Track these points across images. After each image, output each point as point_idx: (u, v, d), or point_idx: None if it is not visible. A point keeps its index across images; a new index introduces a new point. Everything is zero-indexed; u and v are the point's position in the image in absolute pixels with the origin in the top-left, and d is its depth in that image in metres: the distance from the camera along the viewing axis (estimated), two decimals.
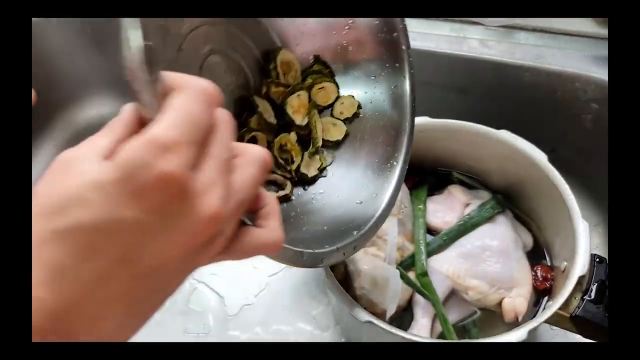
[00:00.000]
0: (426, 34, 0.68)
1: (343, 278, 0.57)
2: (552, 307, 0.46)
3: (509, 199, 0.61)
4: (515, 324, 0.53)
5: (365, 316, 0.46)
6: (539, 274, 0.55)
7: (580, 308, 0.46)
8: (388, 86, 0.48)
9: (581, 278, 0.47)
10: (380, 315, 0.53)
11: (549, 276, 0.55)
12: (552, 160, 0.55)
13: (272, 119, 0.44)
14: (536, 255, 0.58)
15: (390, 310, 0.53)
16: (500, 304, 0.54)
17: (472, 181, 0.63)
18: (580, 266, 0.48)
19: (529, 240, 0.59)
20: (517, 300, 0.53)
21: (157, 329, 0.66)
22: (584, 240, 0.49)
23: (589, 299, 0.47)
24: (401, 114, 0.48)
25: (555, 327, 0.51)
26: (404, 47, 0.47)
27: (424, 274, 0.53)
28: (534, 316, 0.53)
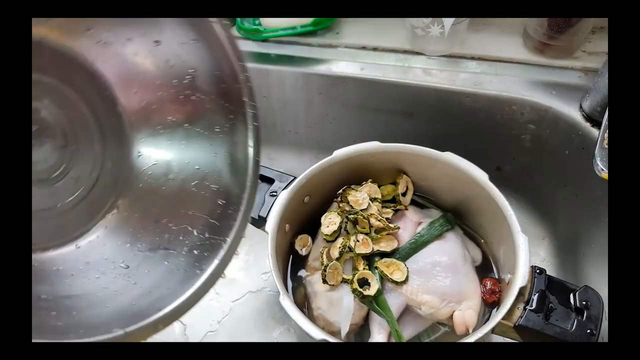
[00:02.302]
0: (374, 64, 0.72)
1: (303, 301, 0.59)
2: (496, 317, 0.49)
3: (459, 216, 0.63)
4: (466, 336, 0.55)
5: (319, 334, 0.48)
6: (487, 286, 0.58)
7: (523, 317, 0.49)
8: (230, 140, 0.47)
9: (523, 289, 0.50)
10: (337, 333, 0.55)
11: (497, 289, 0.58)
12: (498, 178, 0.58)
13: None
14: (485, 269, 0.61)
15: (344, 328, 0.54)
16: (451, 317, 0.56)
17: (424, 200, 0.66)
18: (521, 278, 0.50)
19: (477, 255, 0.62)
20: (466, 313, 0.55)
21: None
22: (524, 253, 0.52)
23: (530, 308, 0.50)
24: (241, 177, 0.47)
25: (507, 338, 0.53)
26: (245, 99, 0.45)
27: (379, 292, 0.55)
28: None
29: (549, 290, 0.51)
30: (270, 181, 0.61)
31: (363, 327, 0.57)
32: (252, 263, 0.74)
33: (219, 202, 0.48)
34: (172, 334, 0.68)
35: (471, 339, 0.47)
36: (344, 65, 0.72)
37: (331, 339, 0.48)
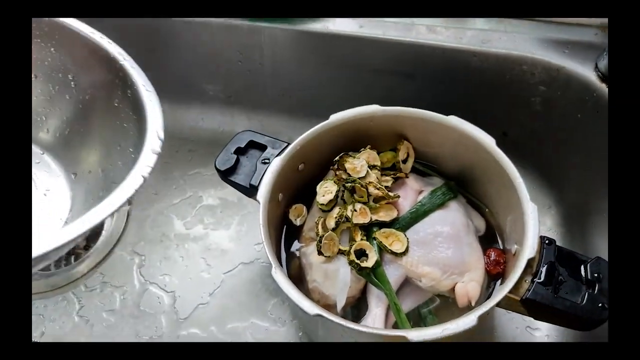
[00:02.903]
0: (373, 21, 0.67)
1: (298, 273, 0.57)
2: (502, 291, 0.46)
3: (462, 184, 0.60)
4: (469, 309, 0.53)
5: (314, 309, 0.45)
6: (491, 257, 0.55)
7: (530, 291, 0.46)
8: None
9: (531, 260, 0.47)
10: (333, 307, 0.53)
11: (501, 260, 0.55)
12: (504, 143, 0.54)
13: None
14: (489, 239, 0.58)
15: (340, 302, 0.52)
16: (453, 289, 0.53)
17: (426, 168, 0.63)
18: (529, 249, 0.47)
19: (481, 225, 0.59)
20: (469, 285, 0.53)
21: (107, 334, 0.63)
22: (533, 223, 0.49)
23: (538, 281, 0.47)
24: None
25: (511, 312, 0.51)
26: None
27: (377, 264, 0.52)
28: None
29: (559, 262, 0.48)
30: (262, 148, 0.57)
31: (360, 300, 0.54)
32: (244, 233, 0.71)
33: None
34: (162, 306, 0.65)
35: (476, 313, 0.44)
36: (340, 23, 0.68)
37: (326, 314, 0.45)
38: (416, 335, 0.43)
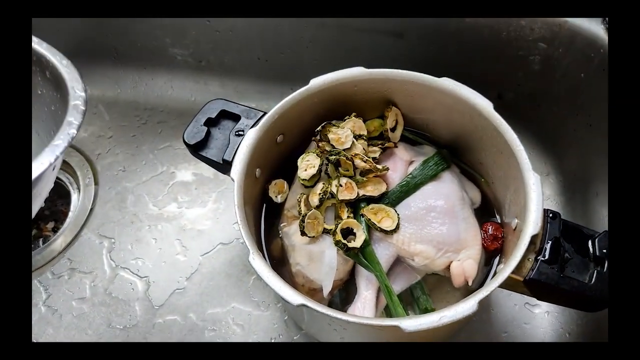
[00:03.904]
0: None
1: (280, 254, 0.52)
2: (504, 272, 0.42)
3: (455, 153, 0.56)
4: (465, 288, 0.49)
5: (298, 299, 0.41)
6: (488, 232, 0.51)
7: (534, 270, 0.43)
8: None
9: (534, 237, 0.43)
10: (319, 291, 0.49)
11: (499, 234, 0.51)
12: (498, 107, 0.50)
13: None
14: (485, 212, 0.54)
15: (327, 287, 0.48)
16: (448, 268, 0.50)
17: (417, 136, 0.58)
18: (532, 225, 0.43)
19: (477, 197, 0.55)
20: (466, 263, 0.49)
21: (78, 324, 0.59)
22: (536, 195, 0.45)
23: (542, 259, 0.43)
24: None
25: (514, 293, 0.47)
26: None
27: (366, 243, 0.48)
28: (485, 278, 0.50)
29: (564, 237, 0.44)
30: (235, 118, 0.52)
31: (348, 282, 0.50)
32: (222, 212, 0.66)
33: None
34: (135, 293, 0.61)
35: (475, 298, 0.40)
36: None
37: (311, 304, 0.41)
38: (410, 324, 0.39)
